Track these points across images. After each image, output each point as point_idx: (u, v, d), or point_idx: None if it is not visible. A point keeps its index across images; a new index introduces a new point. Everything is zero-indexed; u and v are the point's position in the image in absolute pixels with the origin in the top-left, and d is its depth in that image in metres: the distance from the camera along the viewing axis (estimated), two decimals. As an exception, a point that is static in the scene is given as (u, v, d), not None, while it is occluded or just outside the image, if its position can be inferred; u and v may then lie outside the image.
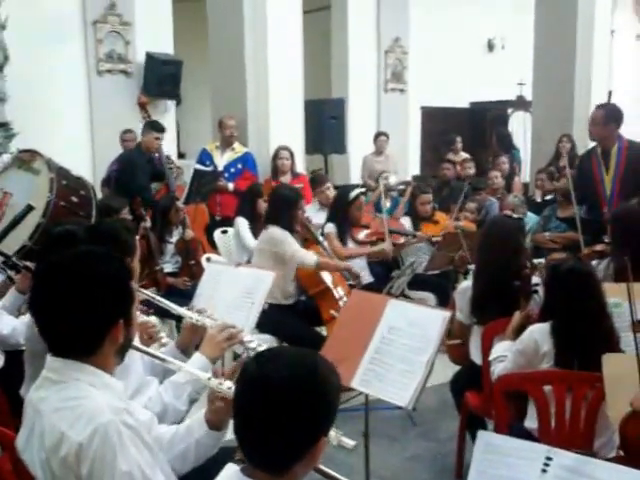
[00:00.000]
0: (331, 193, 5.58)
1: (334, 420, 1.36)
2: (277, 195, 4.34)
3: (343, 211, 4.72)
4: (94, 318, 1.58)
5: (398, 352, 2.31)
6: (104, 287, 1.59)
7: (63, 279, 1.59)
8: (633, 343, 2.52)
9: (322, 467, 1.52)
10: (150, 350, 2.03)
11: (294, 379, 1.29)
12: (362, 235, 4.81)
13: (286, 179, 6.13)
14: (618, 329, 2.64)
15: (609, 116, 4.68)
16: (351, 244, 4.77)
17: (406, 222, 5.33)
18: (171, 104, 6.98)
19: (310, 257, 4.09)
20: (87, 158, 6.44)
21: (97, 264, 1.63)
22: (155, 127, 5.42)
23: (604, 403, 2.43)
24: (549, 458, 1.64)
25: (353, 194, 4.72)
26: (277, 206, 4.19)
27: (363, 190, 5.14)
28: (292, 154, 6.26)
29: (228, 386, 1.78)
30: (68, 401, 1.55)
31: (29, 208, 3.83)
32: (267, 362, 1.34)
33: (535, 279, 3.07)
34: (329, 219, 4.85)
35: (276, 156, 6.23)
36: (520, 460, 1.68)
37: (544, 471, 1.63)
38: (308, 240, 4.58)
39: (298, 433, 1.29)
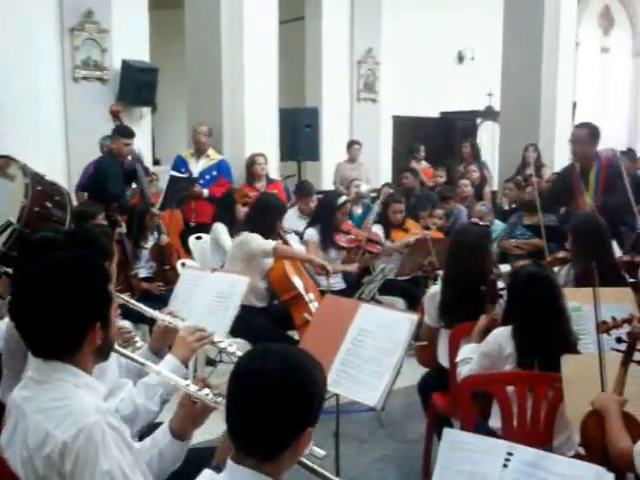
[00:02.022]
0: (314, 205, 5.68)
1: (319, 413, 1.45)
2: (264, 202, 4.38)
3: (328, 216, 4.80)
4: (71, 320, 1.63)
5: (368, 354, 2.40)
6: (80, 290, 1.64)
7: (41, 283, 1.64)
8: (592, 345, 2.64)
9: (307, 462, 1.58)
10: (129, 353, 2.07)
11: (282, 374, 1.39)
12: (343, 241, 4.90)
13: (261, 185, 6.23)
14: (578, 331, 2.74)
15: (592, 134, 4.76)
16: (333, 250, 4.85)
17: (378, 230, 5.44)
18: (147, 111, 7.00)
19: (268, 243, 4.09)
20: (62, 164, 6.42)
21: (73, 268, 1.68)
22: (123, 133, 5.39)
23: (563, 403, 2.53)
24: (510, 453, 1.71)
25: (341, 200, 4.82)
26: (262, 212, 4.23)
27: (349, 197, 5.24)
28: (267, 160, 6.35)
29: (206, 393, 1.84)
30: (54, 401, 1.60)
31: (7, 224, 3.85)
32: (258, 358, 1.44)
33: (500, 284, 3.19)
34: (311, 224, 4.92)
35: (253, 162, 6.32)
36: (482, 455, 1.75)
37: (505, 466, 1.70)
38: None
39: (285, 424, 1.39)
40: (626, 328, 2.49)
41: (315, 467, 1.58)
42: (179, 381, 1.94)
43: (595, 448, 2.22)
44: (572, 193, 4.85)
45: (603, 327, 2.53)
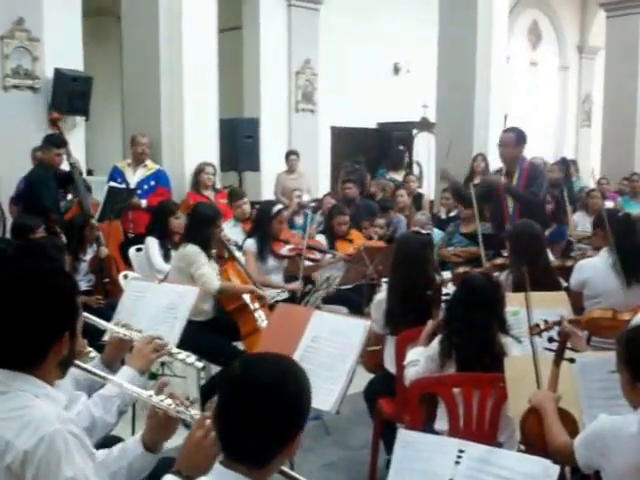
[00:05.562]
0: (247, 208, 5.69)
1: (308, 416, 1.49)
2: (196, 213, 4.37)
3: (265, 225, 4.81)
4: (42, 330, 1.61)
5: (322, 360, 2.44)
6: (53, 301, 1.63)
7: (13, 291, 1.62)
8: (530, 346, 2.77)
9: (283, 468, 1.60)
10: (89, 367, 2.04)
11: (278, 381, 1.41)
12: (283, 250, 4.91)
13: (209, 194, 6.24)
14: (517, 334, 2.88)
15: (519, 138, 4.98)
16: (271, 259, 4.85)
17: (321, 240, 5.49)
18: (80, 120, 6.84)
19: (213, 283, 4.07)
20: (-11, 174, 6.19)
21: (47, 278, 1.67)
22: (55, 143, 5.26)
23: (506, 402, 2.63)
24: (461, 450, 1.79)
25: (276, 209, 4.85)
26: (196, 223, 4.23)
27: (285, 206, 5.26)
28: (215, 171, 6.37)
29: (169, 403, 1.84)
30: (13, 411, 1.57)
31: None
32: (252, 366, 1.46)
33: (445, 290, 3.28)
34: (250, 234, 4.93)
35: (201, 171, 6.32)
36: (435, 454, 1.82)
37: (457, 463, 1.77)
38: (223, 257, 4.60)
39: (280, 430, 1.42)
40: (557, 329, 2.64)
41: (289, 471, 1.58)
42: (141, 392, 1.94)
43: (535, 444, 2.32)
44: (499, 204, 5.04)
45: (535, 329, 2.67)
